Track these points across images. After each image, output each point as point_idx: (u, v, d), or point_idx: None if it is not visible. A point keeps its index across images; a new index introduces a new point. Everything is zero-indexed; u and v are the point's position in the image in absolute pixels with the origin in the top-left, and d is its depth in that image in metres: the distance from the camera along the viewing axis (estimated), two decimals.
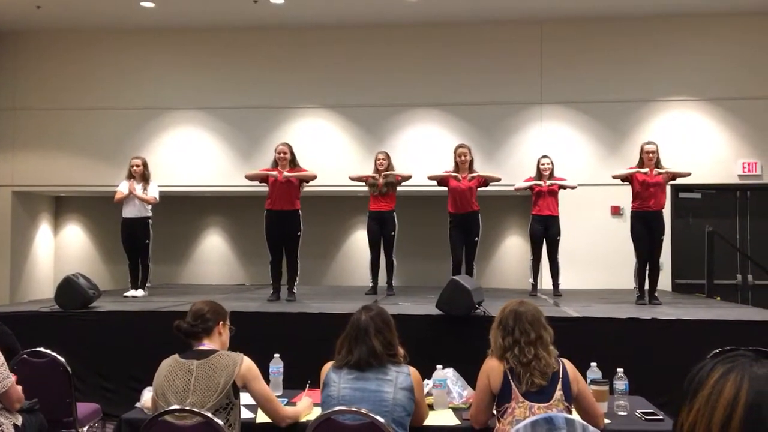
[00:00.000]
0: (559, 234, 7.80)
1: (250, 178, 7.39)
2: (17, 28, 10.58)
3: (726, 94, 9.81)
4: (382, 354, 3.08)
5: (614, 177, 7.30)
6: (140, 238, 7.73)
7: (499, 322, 3.18)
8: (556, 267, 7.89)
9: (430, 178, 7.73)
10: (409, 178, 7.84)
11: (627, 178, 7.10)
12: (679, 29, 9.92)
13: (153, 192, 7.77)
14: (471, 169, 7.62)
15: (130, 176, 7.78)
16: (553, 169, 7.87)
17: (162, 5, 9.69)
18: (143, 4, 9.61)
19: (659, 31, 9.93)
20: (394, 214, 7.82)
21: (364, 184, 7.95)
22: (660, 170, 6.99)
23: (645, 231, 7.00)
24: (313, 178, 7.25)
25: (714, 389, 1.08)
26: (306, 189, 7.46)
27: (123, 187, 7.72)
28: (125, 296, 7.60)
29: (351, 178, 8.08)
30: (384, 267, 7.94)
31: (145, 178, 7.78)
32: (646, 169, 6.95)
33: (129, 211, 7.71)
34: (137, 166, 7.77)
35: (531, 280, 7.96)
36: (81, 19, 10.25)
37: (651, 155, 6.97)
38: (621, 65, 9.94)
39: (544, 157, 7.93)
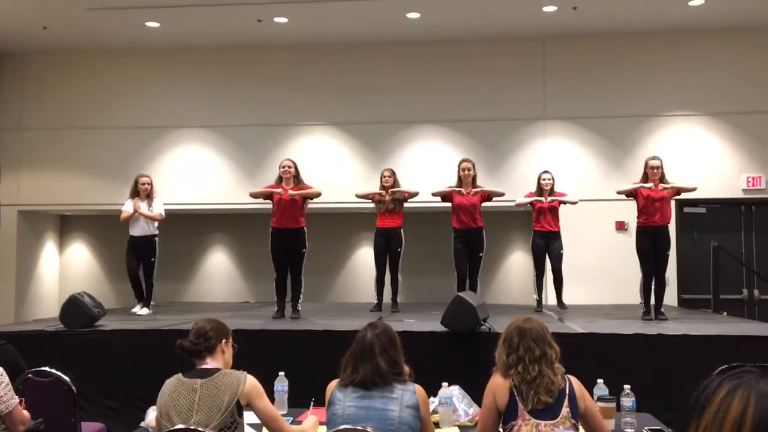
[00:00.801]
0: (561, 249, 7.79)
1: (254, 195, 7.40)
2: (23, 49, 10.67)
3: (729, 108, 9.82)
4: (387, 373, 3.06)
5: (618, 192, 7.31)
6: (146, 256, 7.74)
7: (504, 339, 3.17)
8: (560, 279, 7.87)
9: (434, 194, 7.73)
10: (416, 194, 7.84)
11: (631, 194, 7.11)
12: (681, 44, 9.95)
13: (158, 209, 7.78)
14: (474, 184, 7.63)
15: (135, 194, 7.78)
16: (553, 185, 7.88)
17: (166, 25, 9.76)
18: (148, 24, 9.69)
19: (662, 47, 9.96)
20: (401, 230, 7.82)
21: (370, 201, 7.95)
22: (665, 185, 6.98)
23: (650, 246, 6.99)
24: (318, 195, 7.25)
25: (721, 406, 1.08)
26: (311, 205, 7.47)
27: (128, 206, 7.73)
28: (133, 312, 7.62)
29: (358, 196, 8.08)
30: (389, 283, 7.92)
31: (149, 196, 7.80)
32: (650, 184, 6.95)
33: (136, 230, 7.72)
34: (147, 184, 7.78)
35: (535, 296, 7.94)
36: (86, 40, 10.33)
37: (656, 170, 6.98)
38: (624, 81, 9.96)
39: (545, 172, 7.95)
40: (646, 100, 9.95)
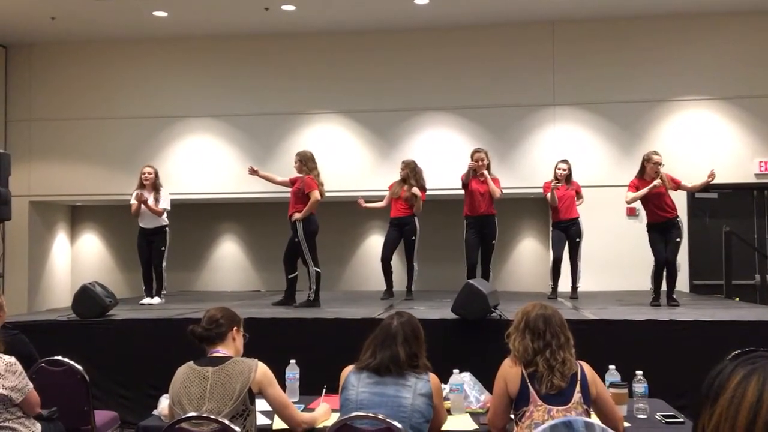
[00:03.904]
0: (579, 236, 7.71)
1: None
2: (32, 40, 10.69)
3: (741, 92, 9.72)
4: (404, 363, 3.07)
5: (629, 202, 7.18)
6: (157, 246, 7.76)
7: (526, 326, 3.14)
8: (576, 270, 7.80)
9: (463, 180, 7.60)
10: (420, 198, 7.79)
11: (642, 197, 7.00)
12: (692, 28, 9.85)
13: (164, 203, 7.75)
14: (489, 173, 7.56)
15: (141, 185, 7.78)
16: (570, 173, 7.78)
17: (174, 14, 9.75)
18: (156, 13, 9.68)
19: (672, 30, 9.87)
20: (415, 218, 7.80)
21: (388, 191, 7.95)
22: (667, 181, 6.91)
23: (660, 237, 6.95)
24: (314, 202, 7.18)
25: (736, 392, 1.07)
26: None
27: (134, 199, 7.71)
28: (141, 304, 7.63)
29: (382, 207, 8.06)
30: (397, 271, 7.91)
31: (155, 187, 7.77)
32: (657, 182, 6.83)
33: (146, 222, 7.73)
34: (149, 173, 7.77)
35: (551, 283, 7.88)
36: (94, 30, 10.34)
37: (660, 166, 6.89)
38: (634, 65, 9.88)
39: (563, 161, 7.83)
40: (657, 85, 9.86)
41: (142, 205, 7.59)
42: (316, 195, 7.03)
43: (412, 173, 7.80)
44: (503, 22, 10.03)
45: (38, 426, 3.68)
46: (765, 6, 9.56)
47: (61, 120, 10.75)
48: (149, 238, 7.75)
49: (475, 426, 3.53)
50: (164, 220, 7.81)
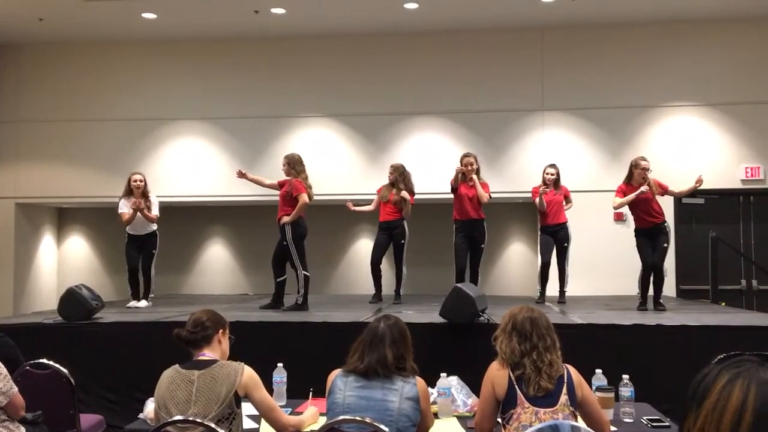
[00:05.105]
0: (566, 241, 7.76)
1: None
2: (20, 41, 10.62)
3: (728, 98, 9.79)
4: (391, 365, 3.06)
5: (617, 208, 7.21)
6: (147, 250, 7.73)
7: (513, 328, 3.14)
8: (564, 275, 7.84)
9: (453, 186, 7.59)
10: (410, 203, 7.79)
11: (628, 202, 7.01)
12: (680, 35, 9.92)
13: (155, 209, 7.74)
14: (479, 178, 7.58)
15: (129, 192, 7.72)
16: (558, 178, 7.82)
17: (163, 16, 9.72)
18: (145, 15, 9.65)
19: (660, 37, 9.93)
20: (404, 222, 7.81)
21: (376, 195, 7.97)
22: (653, 187, 6.92)
23: (648, 242, 6.97)
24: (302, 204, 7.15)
25: (721, 396, 1.07)
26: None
27: (124, 207, 7.64)
28: (128, 307, 7.59)
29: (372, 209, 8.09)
30: (386, 275, 7.91)
31: (144, 194, 7.73)
32: (644, 188, 6.84)
33: (137, 229, 7.68)
34: (140, 181, 7.72)
35: (539, 287, 7.91)
36: (83, 31, 10.29)
37: (647, 172, 6.91)
38: (622, 71, 9.93)
39: (551, 166, 7.87)
40: (644, 91, 9.92)
41: (136, 211, 7.54)
42: (304, 198, 7.02)
43: (400, 177, 7.81)
44: (493, 27, 10.06)
45: (22, 429, 3.65)
46: (751, 13, 9.63)
47: (49, 122, 10.68)
48: (140, 243, 7.71)
49: (462, 430, 3.53)
50: (154, 225, 7.78)
